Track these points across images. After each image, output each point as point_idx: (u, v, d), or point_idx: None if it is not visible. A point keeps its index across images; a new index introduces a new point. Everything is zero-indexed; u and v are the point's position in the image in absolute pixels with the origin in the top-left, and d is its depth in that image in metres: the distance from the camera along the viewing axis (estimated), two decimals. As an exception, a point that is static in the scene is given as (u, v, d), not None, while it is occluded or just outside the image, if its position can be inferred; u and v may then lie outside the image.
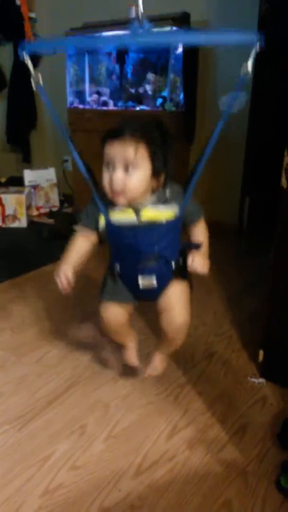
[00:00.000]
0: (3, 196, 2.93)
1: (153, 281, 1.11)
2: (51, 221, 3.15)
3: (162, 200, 1.06)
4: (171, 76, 2.64)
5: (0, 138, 3.74)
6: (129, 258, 1.10)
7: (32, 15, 3.35)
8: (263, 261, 1.44)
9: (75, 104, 3.13)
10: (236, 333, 1.67)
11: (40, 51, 1.09)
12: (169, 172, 1.05)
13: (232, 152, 2.79)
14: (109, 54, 2.96)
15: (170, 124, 2.58)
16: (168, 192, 1.06)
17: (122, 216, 1.06)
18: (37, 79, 1.04)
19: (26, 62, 1.00)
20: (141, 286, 1.11)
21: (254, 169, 2.74)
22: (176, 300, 1.13)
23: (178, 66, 2.66)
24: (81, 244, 1.17)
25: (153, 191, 1.05)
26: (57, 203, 3.42)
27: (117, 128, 1.00)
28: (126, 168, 0.99)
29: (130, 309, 1.21)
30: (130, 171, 0.98)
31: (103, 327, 1.23)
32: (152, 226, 1.05)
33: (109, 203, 1.06)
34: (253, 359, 1.48)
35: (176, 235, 1.10)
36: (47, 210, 3.34)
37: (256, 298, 1.91)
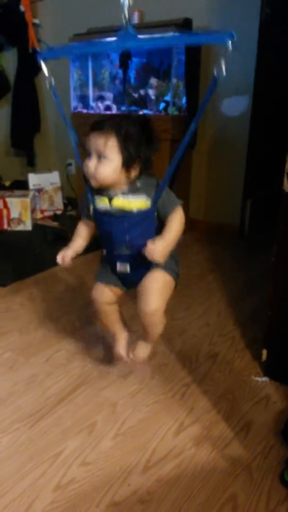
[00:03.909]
0: (9, 200, 2.97)
1: (127, 267, 1.20)
2: (55, 224, 3.19)
3: (133, 191, 1.12)
4: (174, 80, 2.68)
5: (5, 142, 3.78)
6: (108, 244, 1.21)
7: (36, 21, 3.40)
8: (265, 261, 1.47)
9: (79, 109, 3.18)
10: (240, 333, 1.71)
11: (53, 57, 1.20)
12: (146, 162, 1.12)
13: (234, 154, 2.83)
14: (108, 56, 2.97)
15: (172, 128, 2.63)
16: (139, 184, 1.12)
17: (100, 203, 1.16)
18: (50, 80, 1.18)
19: (42, 67, 1.17)
20: (117, 270, 1.22)
21: (256, 171, 2.78)
22: (149, 287, 1.16)
23: (181, 71, 2.70)
24: (82, 230, 1.29)
25: (128, 181, 1.12)
26: (61, 206, 3.46)
27: (97, 121, 1.11)
28: (99, 157, 1.09)
29: (118, 292, 1.28)
30: (101, 160, 1.08)
31: (94, 308, 1.33)
32: (123, 215, 1.13)
33: (95, 192, 1.16)
34: (257, 358, 1.51)
35: (150, 227, 1.14)
36: (51, 213, 3.38)
37: (258, 298, 1.95)
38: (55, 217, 3.30)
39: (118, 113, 1.13)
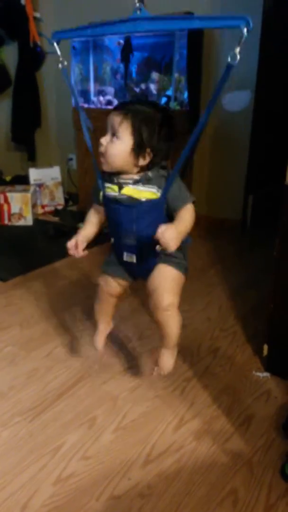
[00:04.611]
0: (9, 195, 2.96)
1: (133, 258, 1.18)
2: (56, 219, 3.19)
3: (144, 181, 1.10)
4: (176, 75, 2.66)
5: (5, 137, 3.77)
6: (116, 233, 1.19)
7: (37, 14, 3.37)
8: (267, 256, 1.47)
9: (80, 104, 3.16)
10: (241, 328, 1.70)
11: (67, 37, 1.19)
12: (159, 154, 1.09)
13: (236, 149, 2.82)
14: (119, 43, 2.94)
15: (174, 123, 2.62)
16: (151, 174, 1.10)
17: (110, 191, 1.14)
18: (64, 62, 1.16)
19: (56, 49, 1.14)
20: (124, 259, 1.20)
21: (258, 166, 2.77)
22: (159, 284, 1.13)
23: (182, 65, 2.68)
24: (93, 216, 1.27)
25: (139, 169, 1.10)
26: (62, 201, 3.45)
27: (123, 102, 1.11)
28: (113, 135, 1.08)
29: (123, 284, 1.26)
30: (113, 139, 1.07)
31: (97, 293, 1.31)
32: (132, 204, 1.11)
33: (105, 179, 1.15)
34: (258, 353, 1.51)
35: (158, 218, 1.10)
36: (52, 208, 3.37)
37: (260, 292, 1.94)
38: (56, 212, 3.29)
39: (148, 100, 1.10)
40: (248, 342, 1.60)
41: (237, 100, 2.71)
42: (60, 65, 1.16)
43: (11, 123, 3.66)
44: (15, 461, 1.07)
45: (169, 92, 2.73)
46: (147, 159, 1.09)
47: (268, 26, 2.47)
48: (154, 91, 2.82)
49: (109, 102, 3.03)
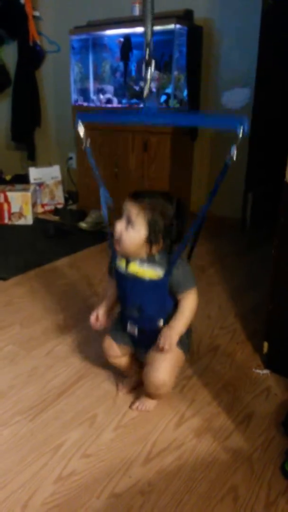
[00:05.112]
0: (9, 194, 2.97)
1: (135, 330, 1.20)
2: (56, 218, 3.19)
3: (149, 261, 1.13)
4: (175, 73, 2.66)
5: (5, 136, 3.77)
6: (122, 303, 1.23)
7: (36, 13, 3.38)
8: (266, 254, 1.47)
9: (79, 102, 3.16)
10: (241, 326, 1.70)
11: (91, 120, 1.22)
12: (168, 243, 1.12)
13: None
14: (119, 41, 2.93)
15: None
16: (157, 257, 1.13)
17: (119, 264, 1.18)
18: (87, 143, 1.20)
19: (79, 130, 1.18)
20: (127, 330, 1.22)
21: (258, 165, 2.77)
22: (158, 358, 1.14)
23: (182, 63, 2.68)
24: (108, 291, 1.29)
25: (148, 254, 1.13)
26: (62, 201, 3.46)
27: (138, 191, 1.13)
28: (128, 223, 1.10)
29: (127, 350, 1.27)
30: (129, 228, 1.10)
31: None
32: (137, 281, 1.14)
33: (117, 253, 1.18)
34: (258, 350, 1.51)
35: (161, 297, 1.14)
36: (52, 207, 3.37)
37: (259, 290, 1.95)
38: (56, 211, 3.30)
39: (157, 191, 1.07)
40: (248, 340, 1.60)
41: (236, 97, 2.71)
42: (83, 146, 1.20)
43: (10, 122, 3.67)
44: (16, 460, 1.07)
45: (169, 90, 2.73)
46: (160, 246, 1.12)
47: (267, 24, 2.47)
48: (154, 89, 2.82)
49: (109, 101, 3.03)
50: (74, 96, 3.16)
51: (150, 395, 1.22)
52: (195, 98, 2.75)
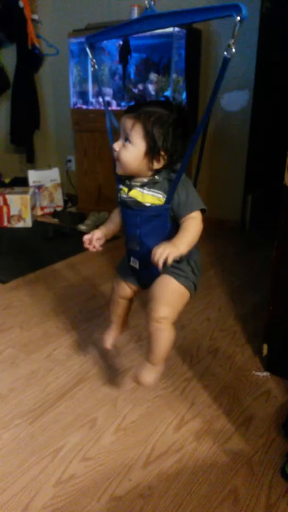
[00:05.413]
0: (9, 197, 2.97)
1: (136, 264, 1.15)
2: (55, 220, 3.19)
3: (150, 184, 1.06)
4: (174, 76, 2.67)
5: (4, 139, 3.77)
6: (125, 236, 1.17)
7: (35, 17, 3.38)
8: (266, 256, 1.47)
9: (79, 105, 3.17)
10: (240, 328, 1.70)
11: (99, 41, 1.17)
12: (174, 156, 1.03)
13: (235, 149, 2.82)
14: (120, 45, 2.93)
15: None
16: (158, 177, 1.05)
17: (122, 192, 1.11)
18: (93, 63, 1.16)
19: (88, 52, 1.13)
20: (130, 264, 1.18)
21: (257, 167, 2.78)
22: (157, 292, 1.08)
23: (181, 66, 2.69)
24: (114, 215, 1.23)
25: (153, 172, 1.06)
26: (61, 203, 3.46)
27: (134, 104, 1.07)
28: (126, 140, 1.05)
29: (134, 289, 1.24)
30: (126, 144, 1.04)
31: (111, 294, 1.30)
32: (137, 208, 1.07)
33: (120, 180, 1.12)
34: (258, 353, 1.51)
35: (162, 226, 1.06)
36: (52, 210, 3.37)
37: (259, 292, 1.95)
38: (55, 214, 3.30)
39: (159, 100, 1.05)
40: (248, 342, 1.60)
41: (235, 100, 2.72)
42: (90, 67, 1.17)
43: (9, 125, 3.67)
44: (16, 463, 1.07)
45: (168, 93, 2.73)
46: (162, 162, 1.04)
47: (266, 25, 2.48)
48: (153, 92, 2.83)
49: (107, 104, 3.03)
50: (73, 99, 3.17)
51: (150, 335, 1.09)
52: (194, 101, 2.75)
